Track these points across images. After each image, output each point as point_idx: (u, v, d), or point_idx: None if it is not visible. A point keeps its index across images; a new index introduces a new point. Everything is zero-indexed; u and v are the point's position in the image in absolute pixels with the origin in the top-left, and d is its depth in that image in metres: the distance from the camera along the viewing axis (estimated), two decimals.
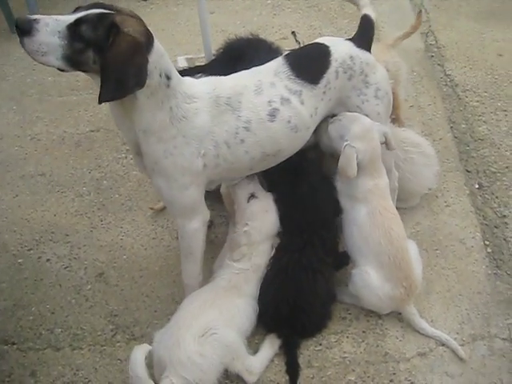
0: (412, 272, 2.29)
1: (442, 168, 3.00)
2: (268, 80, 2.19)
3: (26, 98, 3.76)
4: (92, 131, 3.45)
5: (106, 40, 1.78)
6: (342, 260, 2.45)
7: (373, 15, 2.46)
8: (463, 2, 4.42)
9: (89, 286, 2.60)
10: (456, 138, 3.23)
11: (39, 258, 2.74)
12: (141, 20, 1.90)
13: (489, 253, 2.63)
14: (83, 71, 1.90)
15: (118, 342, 2.37)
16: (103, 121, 3.50)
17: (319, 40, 2.44)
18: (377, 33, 2.64)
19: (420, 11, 3.13)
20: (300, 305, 2.24)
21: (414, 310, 2.32)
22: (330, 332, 2.33)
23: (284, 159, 2.32)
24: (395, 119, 3.05)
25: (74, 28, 1.78)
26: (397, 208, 2.62)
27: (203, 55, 3.23)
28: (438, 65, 3.82)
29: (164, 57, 1.94)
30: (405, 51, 3.70)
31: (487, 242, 2.68)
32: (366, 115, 2.37)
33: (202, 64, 3.12)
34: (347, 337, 2.32)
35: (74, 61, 1.84)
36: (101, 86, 1.81)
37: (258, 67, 2.28)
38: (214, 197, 2.68)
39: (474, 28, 4.11)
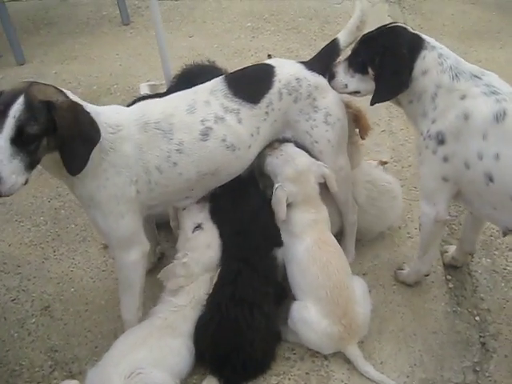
0: (352, 309, 2.16)
1: (407, 196, 2.89)
2: (202, 99, 2.15)
3: None
4: None
5: (52, 121, 1.79)
6: (282, 293, 2.33)
7: (343, 41, 2.35)
8: (448, 21, 4.33)
9: (33, 320, 2.52)
10: None
11: None
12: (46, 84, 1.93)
13: (450, 288, 2.49)
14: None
15: (55, 378, 2.28)
16: None
17: (268, 61, 2.37)
18: None
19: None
20: (239, 344, 2.12)
21: (358, 351, 2.19)
22: (271, 373, 2.21)
23: (230, 177, 2.26)
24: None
25: (18, 138, 1.77)
26: (357, 239, 2.54)
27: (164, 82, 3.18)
28: None
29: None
30: None
31: (449, 277, 2.54)
32: (316, 142, 2.29)
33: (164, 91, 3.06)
34: (289, 378, 2.19)
35: (35, 161, 1.84)
36: (65, 159, 1.84)
37: (195, 87, 2.22)
38: (168, 228, 2.61)
39: (457, 48, 3.93)
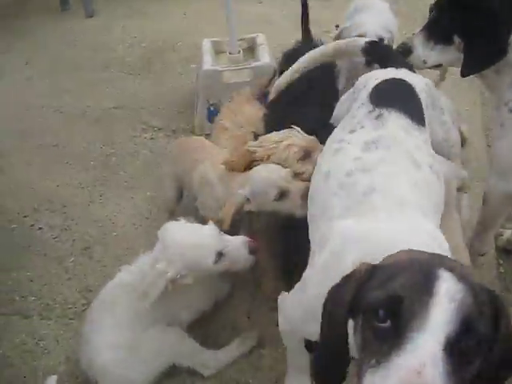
0: None
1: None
2: (388, 134, 1.61)
3: (60, 71, 3.82)
4: (114, 108, 3.44)
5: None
6: None
7: None
8: None
9: (72, 259, 2.54)
10: (489, 146, 2.92)
11: (32, 225, 2.72)
12: None
13: (500, 273, 2.34)
14: None
15: None
16: (127, 99, 3.49)
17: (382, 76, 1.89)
18: None
19: None
20: None
21: None
22: None
23: None
24: None
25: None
26: None
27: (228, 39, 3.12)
28: None
29: None
30: None
31: (501, 261, 2.39)
32: (452, 146, 1.94)
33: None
34: None
35: None
36: None
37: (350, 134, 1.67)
38: None
39: None
